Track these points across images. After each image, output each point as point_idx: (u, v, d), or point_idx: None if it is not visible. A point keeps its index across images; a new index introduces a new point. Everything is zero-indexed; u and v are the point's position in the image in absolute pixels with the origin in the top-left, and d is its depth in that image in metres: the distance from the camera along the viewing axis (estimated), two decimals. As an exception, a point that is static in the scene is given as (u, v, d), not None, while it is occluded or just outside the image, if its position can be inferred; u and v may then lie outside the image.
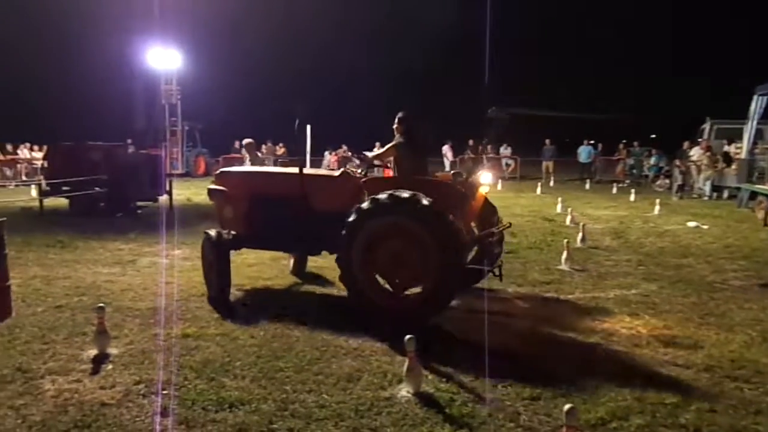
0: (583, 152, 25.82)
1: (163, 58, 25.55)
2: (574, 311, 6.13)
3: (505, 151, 28.14)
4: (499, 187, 22.02)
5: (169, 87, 26.08)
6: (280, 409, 3.89)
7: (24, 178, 24.05)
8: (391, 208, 5.27)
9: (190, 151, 27.93)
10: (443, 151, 27.64)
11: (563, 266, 8.09)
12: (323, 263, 7.49)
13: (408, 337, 4.16)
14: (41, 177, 16.30)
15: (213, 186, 6.95)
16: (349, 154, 24.95)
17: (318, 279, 7.41)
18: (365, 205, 5.40)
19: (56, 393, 4.12)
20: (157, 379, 4.33)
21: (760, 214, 12.68)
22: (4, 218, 6.07)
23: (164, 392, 4.13)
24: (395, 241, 5.43)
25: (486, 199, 6.48)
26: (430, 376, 4.38)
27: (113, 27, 35.84)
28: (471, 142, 28.71)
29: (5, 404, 3.95)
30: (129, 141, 22.68)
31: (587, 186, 22.54)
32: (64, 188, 13.64)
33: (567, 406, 3.10)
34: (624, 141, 28.33)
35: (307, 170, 6.66)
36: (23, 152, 25.15)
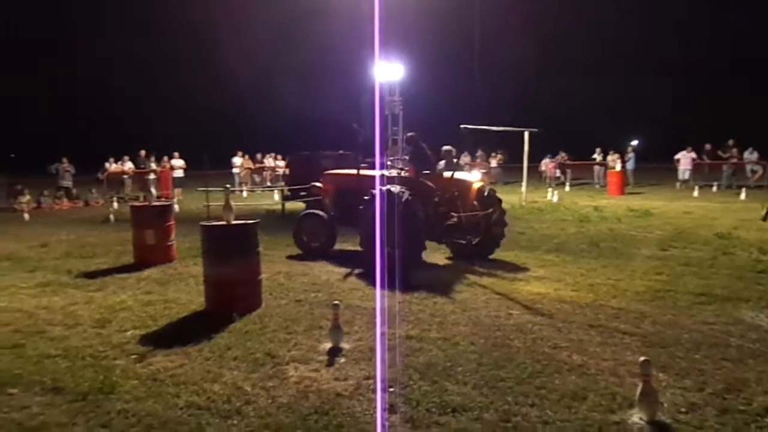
0: None
1: (388, 71, 26.99)
2: None
3: (750, 155, 24.69)
4: (743, 196, 19.45)
5: (393, 98, 27.47)
6: (503, 420, 3.86)
7: (269, 183, 27.33)
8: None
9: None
10: (677, 157, 25.14)
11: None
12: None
13: (643, 358, 3.87)
14: (283, 183, 18.22)
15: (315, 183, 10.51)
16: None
17: (534, 293, 7.25)
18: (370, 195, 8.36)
19: (299, 379, 4.57)
20: (384, 376, 4.57)
21: None
22: (258, 219, 6.92)
23: (391, 390, 4.34)
24: (388, 217, 7.66)
25: (484, 191, 9.24)
26: (665, 404, 4.02)
27: (343, 48, 38.91)
28: (708, 146, 25.94)
29: (258, 384, 4.48)
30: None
31: None
32: (302, 193, 15.14)
33: None
34: None
35: (363, 172, 9.64)
36: (268, 161, 28.48)
